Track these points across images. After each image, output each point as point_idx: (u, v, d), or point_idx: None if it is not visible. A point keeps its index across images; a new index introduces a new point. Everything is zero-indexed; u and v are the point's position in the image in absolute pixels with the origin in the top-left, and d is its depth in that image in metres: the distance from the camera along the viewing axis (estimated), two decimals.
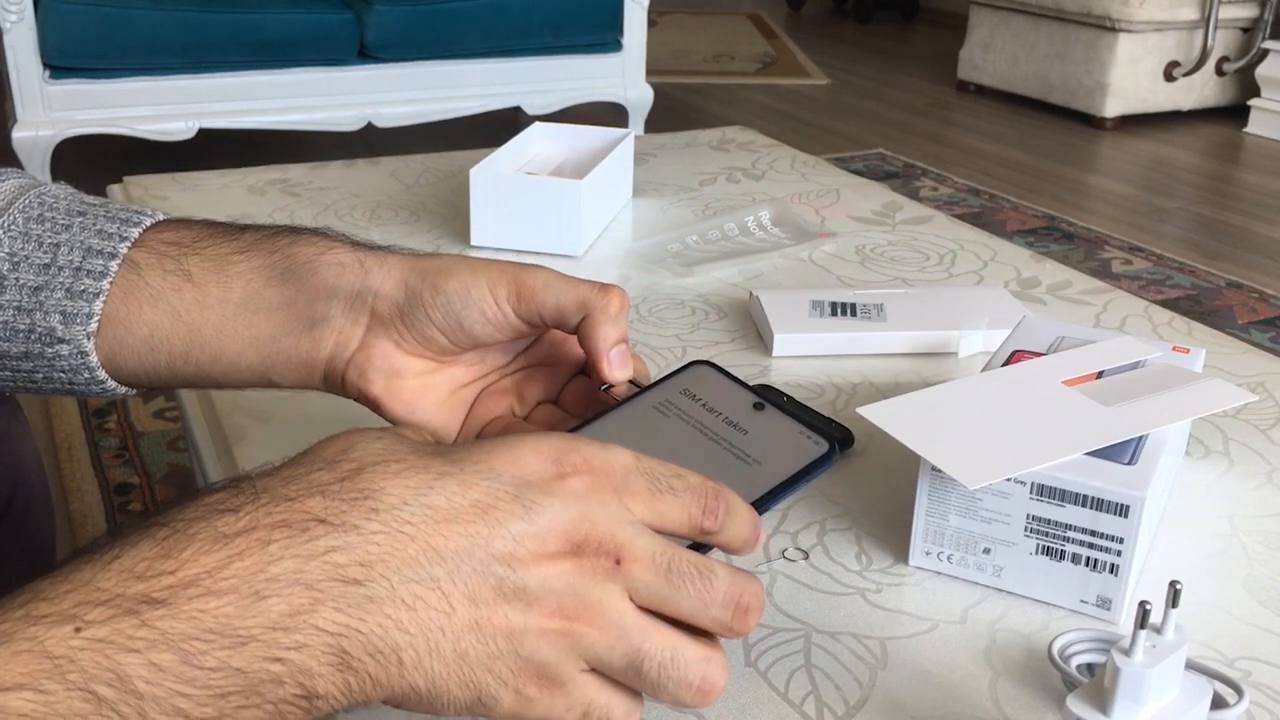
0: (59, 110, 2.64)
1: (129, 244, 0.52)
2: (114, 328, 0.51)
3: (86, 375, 0.52)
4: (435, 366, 0.52)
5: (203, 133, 2.77)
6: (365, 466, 0.37)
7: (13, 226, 0.52)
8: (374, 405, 0.51)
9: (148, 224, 0.53)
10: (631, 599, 0.38)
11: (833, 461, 0.45)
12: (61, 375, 0.53)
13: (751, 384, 0.49)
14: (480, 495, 0.37)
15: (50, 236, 0.52)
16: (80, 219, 0.53)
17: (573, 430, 0.46)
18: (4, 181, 0.55)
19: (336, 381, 0.51)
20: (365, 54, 2.91)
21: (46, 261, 0.51)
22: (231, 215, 1.07)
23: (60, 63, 2.62)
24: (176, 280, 0.51)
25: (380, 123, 2.94)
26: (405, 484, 0.37)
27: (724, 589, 0.39)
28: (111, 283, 0.51)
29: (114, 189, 1.15)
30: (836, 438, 0.45)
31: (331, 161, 1.25)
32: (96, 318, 0.51)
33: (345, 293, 0.50)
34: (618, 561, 0.38)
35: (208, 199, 1.12)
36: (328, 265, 0.51)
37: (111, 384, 0.53)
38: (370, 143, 3.00)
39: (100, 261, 0.51)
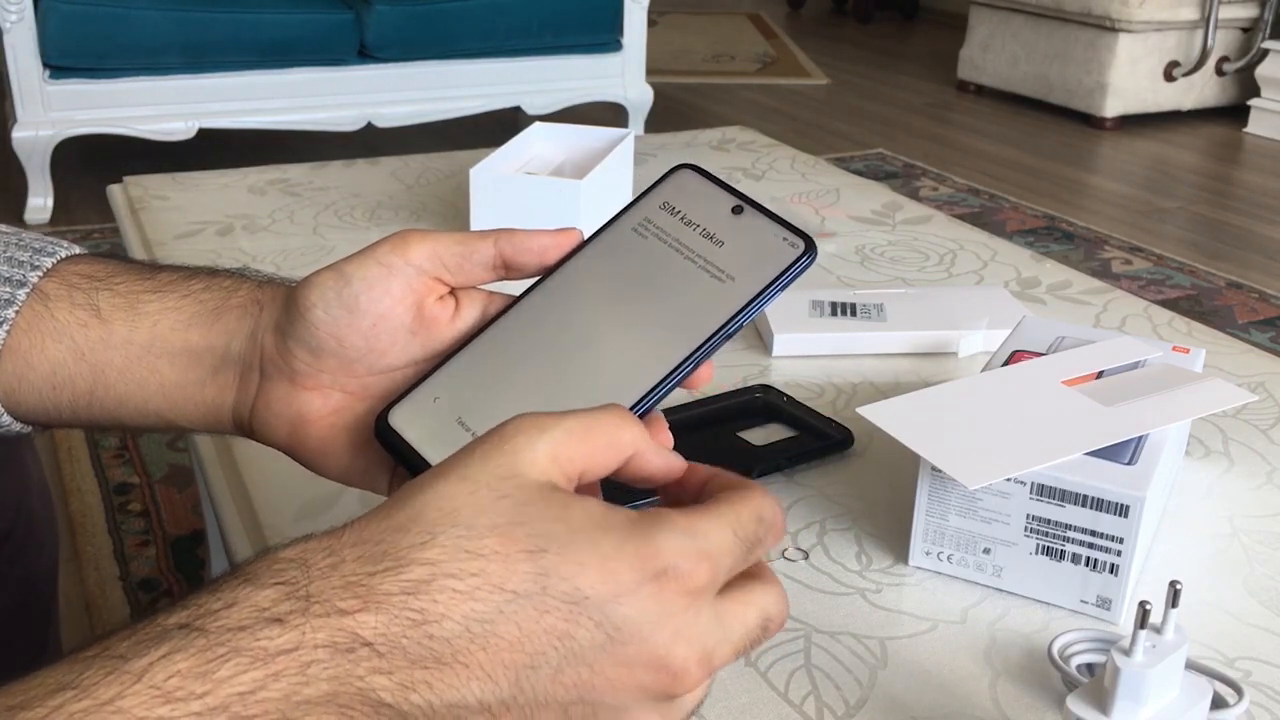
0: (59, 110, 2.64)
1: (40, 273, 0.48)
2: (14, 361, 0.48)
3: None
4: (344, 402, 0.47)
5: (203, 133, 2.77)
6: (437, 577, 0.33)
7: None
8: (289, 454, 0.48)
9: (62, 255, 0.50)
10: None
11: (813, 259, 0.45)
12: None
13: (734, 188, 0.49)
14: (557, 621, 0.33)
15: None
16: None
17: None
18: None
19: (246, 430, 0.48)
20: (365, 54, 2.91)
21: None
22: (231, 215, 1.07)
23: (60, 63, 2.62)
24: (84, 315, 0.48)
25: (380, 123, 2.94)
26: (472, 608, 0.33)
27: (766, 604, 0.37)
28: (18, 311, 0.47)
29: (114, 189, 1.15)
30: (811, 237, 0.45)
31: (331, 161, 1.25)
32: None
33: (243, 336, 0.47)
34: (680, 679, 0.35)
35: (208, 199, 1.12)
36: (231, 309, 0.48)
37: (7, 419, 0.49)
38: (370, 143, 3.00)
39: (7, 290, 0.48)
